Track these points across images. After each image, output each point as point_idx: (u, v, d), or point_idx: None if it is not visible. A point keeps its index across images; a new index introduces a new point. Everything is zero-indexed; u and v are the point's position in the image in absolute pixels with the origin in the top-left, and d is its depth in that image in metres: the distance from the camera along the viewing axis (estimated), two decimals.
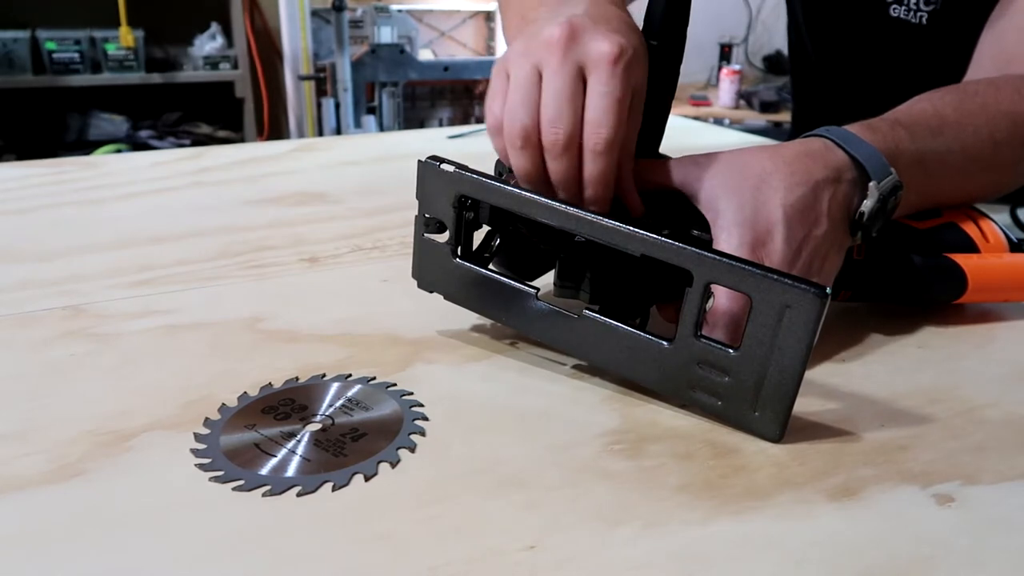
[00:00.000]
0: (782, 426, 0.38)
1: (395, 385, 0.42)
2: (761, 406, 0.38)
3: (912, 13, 0.74)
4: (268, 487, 0.34)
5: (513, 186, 0.42)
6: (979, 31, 0.64)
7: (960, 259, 0.50)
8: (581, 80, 0.42)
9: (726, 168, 0.44)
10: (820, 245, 0.44)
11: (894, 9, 0.76)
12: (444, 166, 0.44)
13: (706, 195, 0.44)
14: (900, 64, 0.79)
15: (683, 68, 0.48)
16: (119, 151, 2.60)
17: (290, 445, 0.37)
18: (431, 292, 0.47)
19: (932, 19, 0.74)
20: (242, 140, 3.04)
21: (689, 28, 0.48)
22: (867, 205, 0.45)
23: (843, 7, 0.83)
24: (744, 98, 3.36)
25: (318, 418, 0.39)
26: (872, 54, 0.82)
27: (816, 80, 0.95)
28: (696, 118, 1.64)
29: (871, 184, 0.45)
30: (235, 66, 2.96)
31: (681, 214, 0.45)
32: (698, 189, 0.44)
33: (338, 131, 3.00)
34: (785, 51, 1.03)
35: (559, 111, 0.42)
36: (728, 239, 0.42)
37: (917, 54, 0.76)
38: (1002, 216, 0.64)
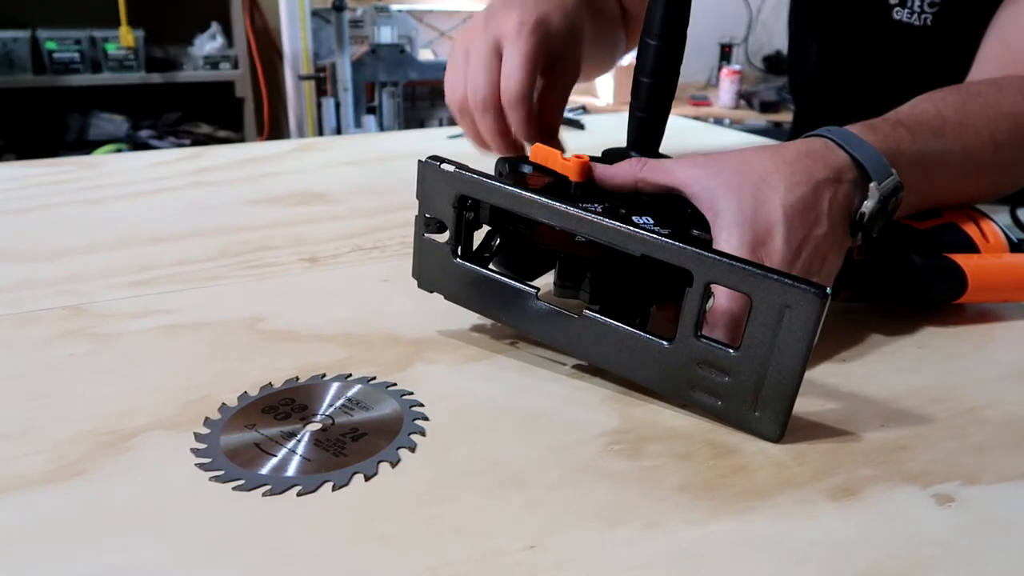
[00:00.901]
0: (782, 426, 0.38)
1: (395, 385, 0.42)
2: (761, 406, 0.38)
3: (916, 16, 0.74)
4: (268, 487, 0.34)
5: (513, 186, 0.42)
6: (983, 32, 0.64)
7: (960, 259, 0.50)
8: (498, 53, 0.53)
9: (726, 168, 0.44)
10: (820, 245, 0.44)
11: (897, 12, 0.75)
12: (444, 166, 0.44)
13: (706, 195, 0.44)
14: (903, 66, 0.79)
15: (683, 68, 0.48)
16: (119, 151, 2.60)
17: (290, 445, 0.37)
18: (431, 292, 0.47)
19: (936, 21, 0.73)
20: (242, 140, 3.04)
21: (689, 28, 0.48)
22: (868, 206, 0.45)
23: (845, 11, 0.82)
24: (744, 98, 3.36)
25: (318, 418, 0.39)
26: (875, 57, 0.82)
27: (817, 82, 0.94)
28: (696, 118, 1.64)
29: (872, 185, 0.45)
30: (235, 66, 2.96)
31: (681, 214, 0.45)
32: (698, 189, 0.44)
33: (338, 131, 3.00)
34: (785, 51, 1.03)
35: (477, 77, 0.53)
36: (728, 239, 0.42)
37: (920, 56, 0.76)
38: (1002, 216, 0.64)
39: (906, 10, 0.75)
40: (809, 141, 0.47)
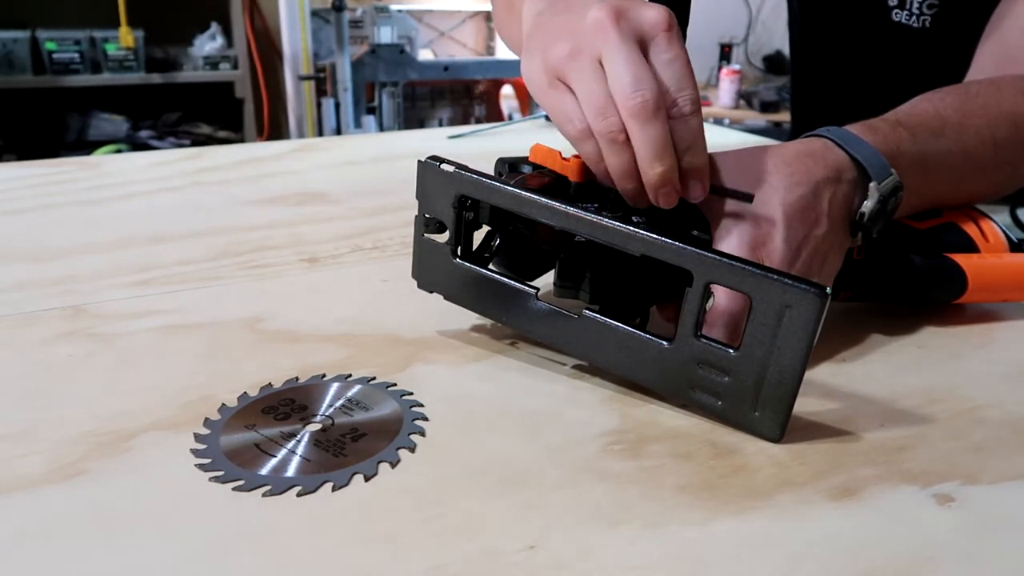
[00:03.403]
0: (782, 426, 0.38)
1: (395, 385, 0.42)
2: (761, 406, 0.38)
3: (915, 18, 0.74)
4: (268, 487, 0.34)
5: (513, 186, 0.42)
6: (981, 32, 0.64)
7: (960, 259, 0.50)
8: (644, 53, 0.41)
9: (726, 168, 0.44)
10: (820, 245, 0.44)
11: (896, 14, 0.75)
12: (444, 166, 0.44)
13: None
14: (901, 68, 0.79)
15: None
16: (119, 151, 2.60)
17: (290, 445, 0.37)
18: (431, 292, 0.47)
19: (935, 22, 0.73)
20: (242, 140, 3.04)
21: (689, 28, 0.48)
22: (867, 206, 0.45)
23: (844, 13, 0.82)
24: (744, 98, 3.36)
25: (318, 418, 0.39)
26: (874, 59, 0.82)
27: (817, 83, 0.94)
28: None
29: (871, 185, 0.45)
30: (235, 66, 2.96)
31: (681, 214, 0.45)
32: None
33: (338, 131, 3.00)
34: (785, 51, 1.04)
35: (637, 76, 0.40)
36: (728, 239, 0.42)
37: (919, 58, 0.76)
38: (1002, 216, 0.64)
39: (905, 12, 0.75)
40: (808, 141, 0.47)
